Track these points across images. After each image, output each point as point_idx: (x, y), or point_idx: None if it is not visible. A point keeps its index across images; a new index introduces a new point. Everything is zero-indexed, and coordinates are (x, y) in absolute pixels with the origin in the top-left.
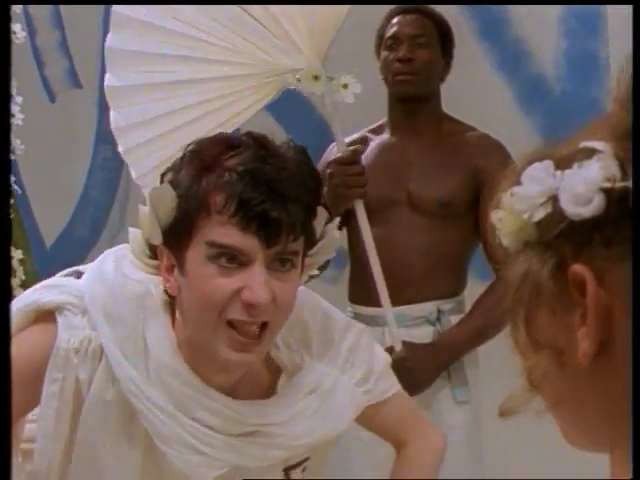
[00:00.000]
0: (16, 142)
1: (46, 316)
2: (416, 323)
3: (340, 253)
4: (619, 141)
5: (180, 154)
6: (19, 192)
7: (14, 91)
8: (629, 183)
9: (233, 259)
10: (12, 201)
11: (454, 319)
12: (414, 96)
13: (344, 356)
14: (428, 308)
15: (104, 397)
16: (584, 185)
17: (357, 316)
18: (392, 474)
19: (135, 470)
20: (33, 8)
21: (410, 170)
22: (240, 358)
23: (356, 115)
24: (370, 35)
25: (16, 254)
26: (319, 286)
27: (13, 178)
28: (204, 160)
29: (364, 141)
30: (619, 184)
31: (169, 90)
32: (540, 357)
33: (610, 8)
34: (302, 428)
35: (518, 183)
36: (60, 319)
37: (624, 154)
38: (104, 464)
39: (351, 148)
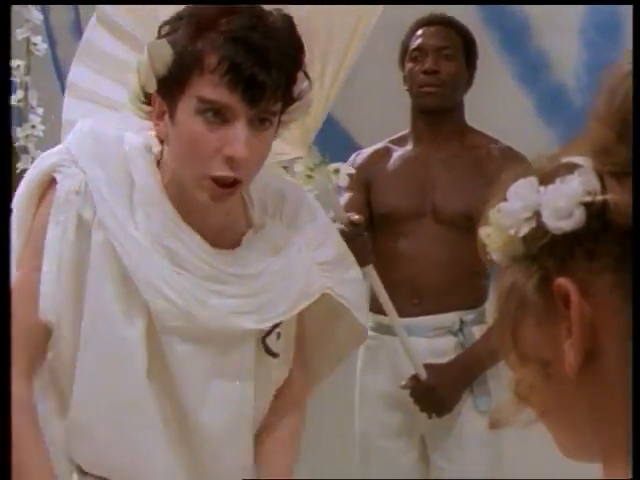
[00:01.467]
0: (37, 153)
1: (50, 185)
2: (439, 333)
3: None
4: (599, 156)
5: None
6: None
7: (35, 102)
8: (608, 196)
9: (218, 114)
10: None
11: (476, 330)
12: (439, 108)
13: (312, 232)
14: (451, 319)
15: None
16: (565, 199)
17: (378, 326)
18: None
19: (141, 323)
20: (53, 19)
21: (433, 182)
22: (215, 205)
23: (378, 125)
24: (394, 46)
25: None
26: None
27: None
28: (201, 23)
29: (386, 152)
30: (599, 197)
31: None
32: (526, 370)
33: (630, 19)
34: (264, 284)
35: (504, 199)
36: (58, 175)
37: (603, 168)
38: (111, 316)
39: (354, 219)
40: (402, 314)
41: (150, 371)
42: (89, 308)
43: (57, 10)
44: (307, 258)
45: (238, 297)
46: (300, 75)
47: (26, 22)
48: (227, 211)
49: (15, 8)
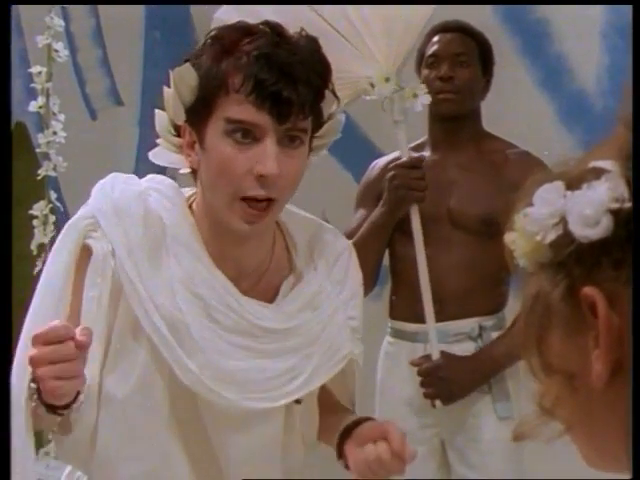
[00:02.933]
0: (58, 159)
1: (83, 250)
2: (458, 339)
3: (382, 269)
4: (626, 161)
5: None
6: (61, 209)
7: (56, 109)
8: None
9: (247, 134)
10: (54, 218)
11: (495, 335)
12: (455, 114)
13: (349, 290)
14: (470, 324)
15: None
16: (592, 207)
17: (397, 332)
18: None
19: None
20: (74, 26)
21: (451, 187)
22: (249, 229)
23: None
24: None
25: None
26: (364, 303)
27: (55, 195)
28: (224, 45)
29: None
30: (627, 204)
31: None
32: (551, 382)
33: None
34: (297, 342)
35: (530, 204)
36: (90, 241)
37: (630, 174)
38: (135, 363)
39: (415, 155)
40: (421, 320)
41: (177, 410)
42: (114, 362)
43: (78, 17)
44: (342, 318)
45: (264, 356)
46: (328, 94)
47: (47, 29)
48: (267, 252)
49: (37, 15)
